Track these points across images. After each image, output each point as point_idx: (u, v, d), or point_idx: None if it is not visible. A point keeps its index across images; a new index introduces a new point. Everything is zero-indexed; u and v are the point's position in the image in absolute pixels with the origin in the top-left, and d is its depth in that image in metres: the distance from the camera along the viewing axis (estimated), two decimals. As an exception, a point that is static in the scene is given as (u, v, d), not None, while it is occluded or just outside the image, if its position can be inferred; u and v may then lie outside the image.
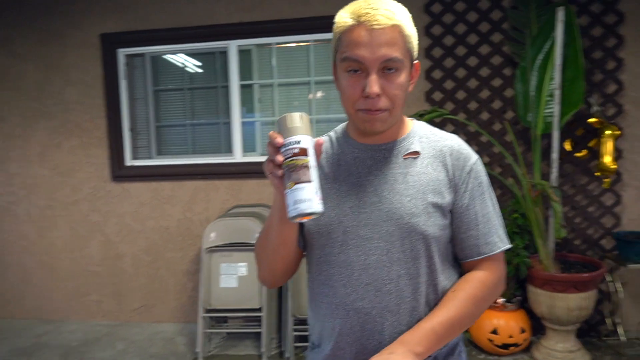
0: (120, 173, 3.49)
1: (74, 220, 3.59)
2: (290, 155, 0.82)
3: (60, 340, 3.31)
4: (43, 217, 3.63)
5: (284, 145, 0.83)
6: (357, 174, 1.00)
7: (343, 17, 0.93)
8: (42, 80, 3.52)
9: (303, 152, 0.82)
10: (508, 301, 2.78)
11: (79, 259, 3.61)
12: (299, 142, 0.82)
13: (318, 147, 0.85)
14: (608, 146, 2.78)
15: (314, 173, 0.82)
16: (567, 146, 2.97)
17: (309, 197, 0.81)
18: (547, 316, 2.66)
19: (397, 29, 0.90)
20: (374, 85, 0.90)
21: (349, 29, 0.91)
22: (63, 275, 3.63)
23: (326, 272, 1.01)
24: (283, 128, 0.84)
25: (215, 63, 3.45)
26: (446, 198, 0.98)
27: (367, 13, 0.89)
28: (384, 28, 0.89)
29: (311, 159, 0.83)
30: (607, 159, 2.79)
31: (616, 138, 2.84)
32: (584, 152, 2.95)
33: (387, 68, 0.90)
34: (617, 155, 2.94)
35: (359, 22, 0.90)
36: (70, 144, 3.54)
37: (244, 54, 3.38)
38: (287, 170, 0.82)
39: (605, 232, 3.00)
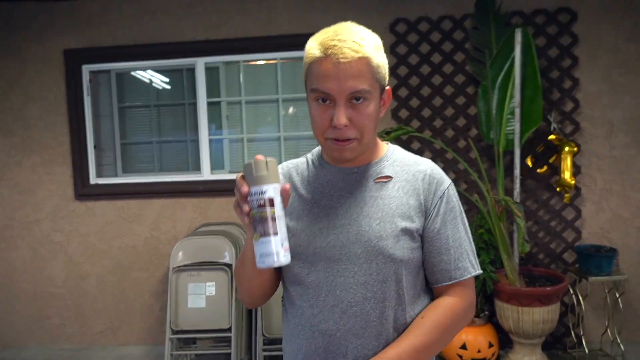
0: (84, 191, 3.33)
1: (34, 241, 3.39)
2: (256, 206, 0.82)
3: (19, 367, 3.09)
4: (1, 238, 3.41)
5: (250, 194, 0.83)
6: (330, 196, 1.00)
7: (312, 48, 0.92)
8: (0, 96, 3.34)
9: (269, 202, 0.82)
10: (476, 316, 2.74)
11: (40, 281, 3.40)
12: (264, 193, 0.82)
13: (285, 193, 0.85)
14: (567, 162, 2.81)
15: (280, 224, 0.83)
16: (529, 162, 2.98)
17: (275, 251, 0.82)
18: (514, 330, 2.64)
19: (364, 61, 0.89)
20: (341, 117, 0.89)
21: (317, 61, 0.90)
22: (23, 298, 3.41)
23: (295, 292, 1.00)
24: (249, 175, 0.83)
25: (182, 80, 3.36)
26: (415, 222, 0.97)
27: (334, 46, 0.88)
28: (350, 61, 0.88)
29: (277, 209, 0.83)
30: (567, 175, 2.81)
31: (574, 154, 2.87)
32: (544, 168, 2.97)
33: (355, 98, 0.90)
34: (576, 171, 2.97)
35: (326, 55, 0.89)
36: (30, 162, 3.36)
37: (211, 71, 3.31)
38: (254, 220, 0.83)
39: (567, 246, 3.02)
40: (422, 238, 0.98)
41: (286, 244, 0.84)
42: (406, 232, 0.95)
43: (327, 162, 1.03)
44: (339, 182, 1.00)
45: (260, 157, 0.83)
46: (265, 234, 0.82)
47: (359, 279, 0.94)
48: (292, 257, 0.96)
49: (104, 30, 3.24)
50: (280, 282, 1.08)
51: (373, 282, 0.94)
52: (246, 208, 0.83)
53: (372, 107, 0.92)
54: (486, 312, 2.79)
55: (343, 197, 0.99)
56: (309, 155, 1.09)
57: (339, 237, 0.95)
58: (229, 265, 2.73)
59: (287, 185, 0.85)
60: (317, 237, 0.97)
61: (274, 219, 0.82)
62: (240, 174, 0.85)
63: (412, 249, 0.96)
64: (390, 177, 0.99)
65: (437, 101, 3.08)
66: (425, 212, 0.97)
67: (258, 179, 0.82)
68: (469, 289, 1.00)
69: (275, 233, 0.82)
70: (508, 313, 2.63)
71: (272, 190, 0.83)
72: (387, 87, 0.98)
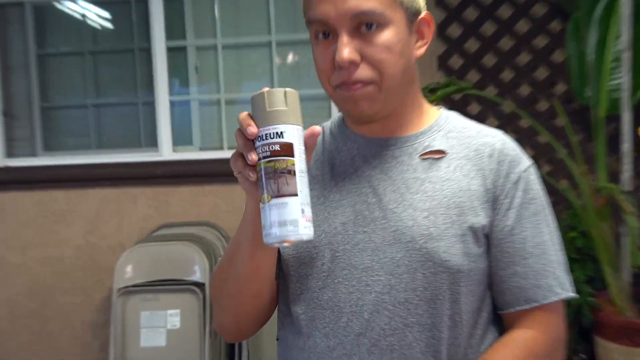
0: (-12, 178, 3.18)
1: None
2: (268, 153, 0.78)
3: None
4: None
5: (259, 138, 0.79)
6: (356, 178, 1.00)
7: None
8: None
9: (287, 149, 0.78)
10: (568, 359, 2.50)
11: None
12: (281, 135, 0.78)
13: (310, 140, 0.81)
14: (703, 133, 2.64)
15: (301, 181, 0.78)
16: (644, 133, 2.82)
17: (293, 218, 0.77)
18: (627, 381, 2.48)
19: None
20: (343, 49, 0.88)
21: None
22: None
23: (303, 315, 0.98)
24: (259, 111, 0.79)
25: (130, 15, 3.29)
26: (480, 216, 0.95)
27: None
28: None
29: (298, 160, 0.79)
30: (702, 152, 2.63)
31: None
32: (668, 142, 2.80)
33: (366, 25, 0.89)
34: None
35: None
36: None
37: (172, 2, 3.22)
38: (264, 174, 0.78)
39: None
40: (489, 239, 0.96)
41: (308, 212, 0.80)
42: (467, 229, 0.93)
43: (351, 129, 1.04)
44: (370, 158, 1.00)
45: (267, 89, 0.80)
46: (280, 193, 0.77)
47: (397, 296, 0.93)
48: (301, 263, 0.98)
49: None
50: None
51: (418, 301, 0.93)
52: (253, 157, 0.79)
53: (390, 36, 0.90)
54: (583, 357, 2.63)
55: (375, 179, 0.98)
56: (327, 123, 1.11)
57: (370, 236, 0.95)
58: (201, 285, 2.65)
59: (316, 129, 0.82)
60: (339, 236, 0.96)
61: (292, 172, 0.78)
62: (245, 113, 0.81)
63: (475, 255, 0.94)
64: (443, 153, 0.99)
65: (506, 44, 2.92)
66: (494, 202, 0.96)
67: (273, 115, 0.79)
68: (556, 317, 0.99)
69: (295, 193, 0.77)
70: (616, 356, 2.45)
71: (292, 132, 0.79)
72: (424, 13, 0.97)
